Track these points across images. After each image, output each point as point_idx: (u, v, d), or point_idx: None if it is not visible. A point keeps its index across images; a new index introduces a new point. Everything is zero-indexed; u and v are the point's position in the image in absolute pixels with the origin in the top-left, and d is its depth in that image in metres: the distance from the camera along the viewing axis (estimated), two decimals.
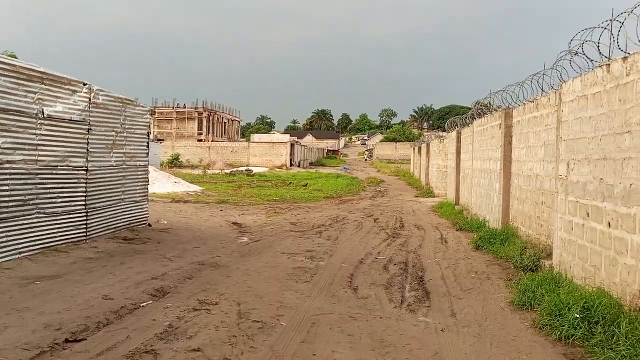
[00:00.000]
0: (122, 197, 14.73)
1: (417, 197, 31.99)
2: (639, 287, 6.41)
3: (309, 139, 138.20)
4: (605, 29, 7.33)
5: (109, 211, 13.96)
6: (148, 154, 16.06)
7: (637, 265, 6.47)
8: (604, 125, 7.45)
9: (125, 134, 14.65)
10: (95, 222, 13.27)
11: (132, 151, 15.09)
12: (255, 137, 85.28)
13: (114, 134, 14.06)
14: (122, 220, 14.77)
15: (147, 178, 16.17)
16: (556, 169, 9.50)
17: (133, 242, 13.64)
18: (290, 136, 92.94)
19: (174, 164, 64.07)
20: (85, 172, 12.81)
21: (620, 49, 6.91)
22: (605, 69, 7.48)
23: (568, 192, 8.85)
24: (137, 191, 15.56)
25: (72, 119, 12.29)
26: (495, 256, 12.21)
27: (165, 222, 17.34)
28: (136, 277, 9.95)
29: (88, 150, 12.91)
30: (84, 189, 12.80)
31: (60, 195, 11.98)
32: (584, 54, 8.00)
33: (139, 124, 15.44)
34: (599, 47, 7.44)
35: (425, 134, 63.12)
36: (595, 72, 7.84)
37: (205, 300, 8.49)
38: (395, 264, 11.77)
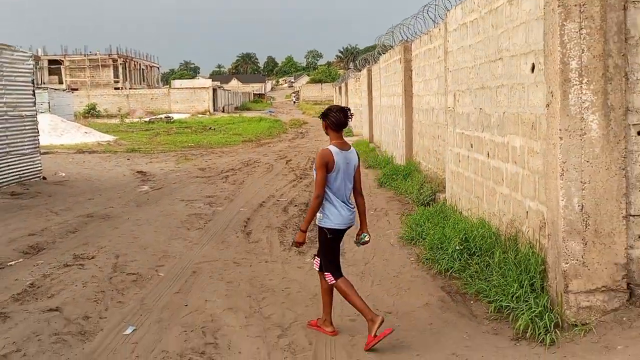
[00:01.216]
0: (7, 149, 13.69)
1: None
2: (512, 216, 6.36)
3: (234, 84, 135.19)
4: None
5: None
6: (35, 102, 14.95)
7: (511, 194, 6.41)
8: (481, 54, 7.26)
9: (3, 82, 13.48)
10: None
11: (14, 100, 13.96)
12: (176, 83, 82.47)
13: None
14: (9, 175, 13.78)
15: (36, 128, 15.10)
16: (445, 100, 9.35)
17: (20, 196, 12.77)
18: (214, 81, 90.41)
19: (90, 113, 60.98)
20: None
21: None
22: None
23: (455, 123, 8.73)
24: (25, 143, 14.50)
25: None
26: (397, 192, 12.16)
27: (63, 175, 16.39)
28: (11, 234, 9.26)
29: None
30: None
31: None
32: None
33: (20, 70, 14.25)
34: None
35: (352, 73, 62.69)
36: None
37: (81, 255, 7.97)
38: (296, 205, 11.53)
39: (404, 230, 8.69)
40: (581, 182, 4.81)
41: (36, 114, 15.07)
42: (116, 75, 76.84)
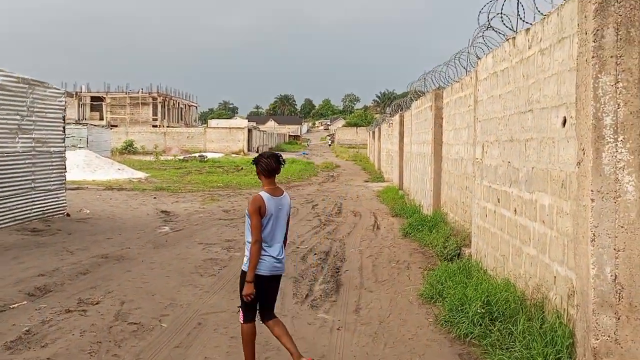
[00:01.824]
0: (32, 185, 13.70)
1: (367, 181, 31.47)
2: (539, 280, 5.85)
3: (271, 124, 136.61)
4: None
5: (14, 200, 12.94)
6: (64, 138, 15.02)
7: (538, 256, 5.91)
8: (511, 104, 6.87)
9: (33, 118, 13.59)
10: None
11: (44, 136, 14.04)
12: (213, 123, 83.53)
13: (18, 117, 13.00)
14: (33, 210, 13.75)
15: (64, 164, 15.13)
16: (473, 151, 8.93)
17: (40, 233, 12.68)
18: (251, 121, 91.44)
19: (127, 150, 62.17)
20: None
21: (521, 19, 6.29)
22: (511, 43, 6.87)
23: (483, 176, 8.28)
24: (52, 179, 14.52)
25: None
26: (421, 244, 11.65)
27: (87, 212, 16.34)
28: (21, 273, 9.06)
29: None
30: None
31: None
32: (492, 28, 7.37)
33: (52, 107, 14.37)
34: (502, 19, 6.81)
35: (385, 117, 62.56)
36: (503, 47, 7.24)
37: (85, 300, 7.68)
38: (316, 254, 11.12)
39: (424, 287, 8.18)
40: (615, 249, 4.33)
41: (64, 150, 15.12)
42: (155, 113, 78.49)
